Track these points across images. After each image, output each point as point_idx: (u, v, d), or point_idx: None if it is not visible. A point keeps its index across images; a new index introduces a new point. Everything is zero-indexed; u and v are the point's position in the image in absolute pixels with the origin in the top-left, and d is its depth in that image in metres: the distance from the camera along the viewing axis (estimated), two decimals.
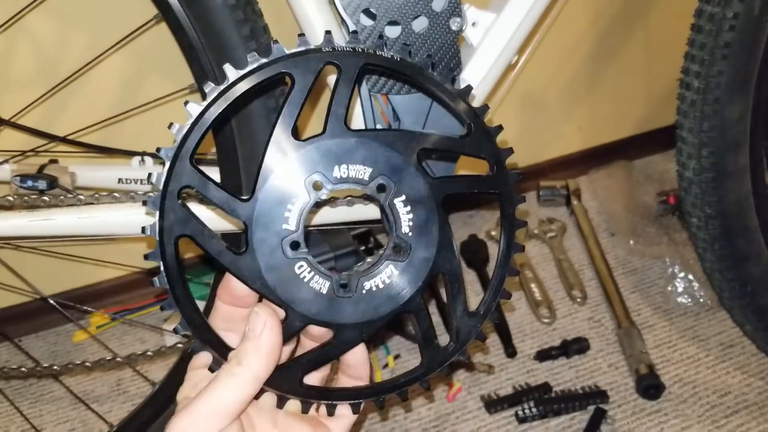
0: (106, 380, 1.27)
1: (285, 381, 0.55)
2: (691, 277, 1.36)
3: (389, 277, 0.54)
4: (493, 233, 1.55)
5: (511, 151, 0.57)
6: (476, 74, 0.87)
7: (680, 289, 1.37)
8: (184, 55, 0.87)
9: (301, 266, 0.52)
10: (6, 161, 0.96)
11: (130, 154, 1.00)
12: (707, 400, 1.17)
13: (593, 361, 1.25)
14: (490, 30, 0.86)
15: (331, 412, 0.57)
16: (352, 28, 0.79)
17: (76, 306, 1.19)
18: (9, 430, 1.18)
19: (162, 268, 0.51)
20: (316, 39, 0.54)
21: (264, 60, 0.52)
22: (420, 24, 0.80)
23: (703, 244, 1.03)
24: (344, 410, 0.58)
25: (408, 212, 0.54)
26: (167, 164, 0.50)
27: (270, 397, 0.55)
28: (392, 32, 0.80)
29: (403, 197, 0.53)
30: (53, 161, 0.99)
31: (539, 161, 1.70)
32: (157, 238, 0.51)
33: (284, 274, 0.52)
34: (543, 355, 1.25)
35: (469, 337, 0.59)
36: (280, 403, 0.55)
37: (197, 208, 0.60)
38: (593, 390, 1.17)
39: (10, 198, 0.85)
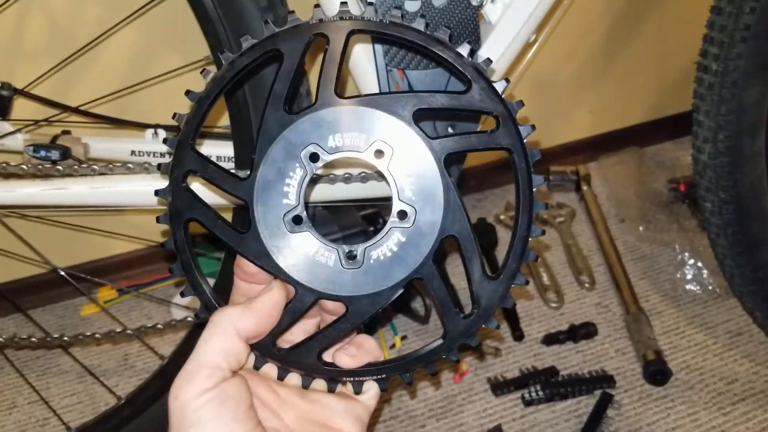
0: (113, 355, 1.27)
1: (303, 359, 0.54)
2: (700, 264, 1.36)
3: (396, 245, 0.52)
4: (502, 217, 1.54)
5: (521, 104, 0.53)
6: (494, 51, 0.86)
7: (689, 276, 1.37)
8: (200, 26, 0.86)
9: (304, 240, 0.51)
10: (19, 130, 0.95)
11: (144, 126, 0.99)
12: (714, 387, 1.17)
13: (600, 346, 1.25)
14: (509, 7, 0.85)
15: (358, 390, 0.56)
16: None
17: (85, 278, 1.19)
18: (16, 402, 1.19)
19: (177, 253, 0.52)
20: (332, 11, 0.53)
21: (254, 41, 0.52)
22: None
23: (716, 230, 1.02)
24: (370, 386, 0.57)
25: (409, 175, 0.51)
26: (173, 152, 0.52)
27: (296, 378, 0.55)
28: (412, 6, 0.79)
29: (403, 162, 0.51)
30: (66, 132, 0.98)
31: (549, 146, 1.69)
32: (170, 226, 0.52)
33: (289, 251, 0.51)
34: (550, 339, 1.25)
35: (492, 303, 0.55)
36: (306, 382, 0.55)
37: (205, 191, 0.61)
38: (600, 375, 1.17)
39: (24, 167, 0.84)
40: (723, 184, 0.97)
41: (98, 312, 1.38)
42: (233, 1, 0.82)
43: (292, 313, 0.52)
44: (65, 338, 0.91)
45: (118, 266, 1.42)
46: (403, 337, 1.28)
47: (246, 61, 0.52)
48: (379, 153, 0.51)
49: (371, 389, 0.56)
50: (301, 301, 0.52)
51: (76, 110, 0.98)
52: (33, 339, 0.94)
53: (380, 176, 0.88)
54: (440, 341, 0.56)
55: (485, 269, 0.54)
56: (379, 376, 0.56)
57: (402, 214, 0.52)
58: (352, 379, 0.56)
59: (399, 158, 0.51)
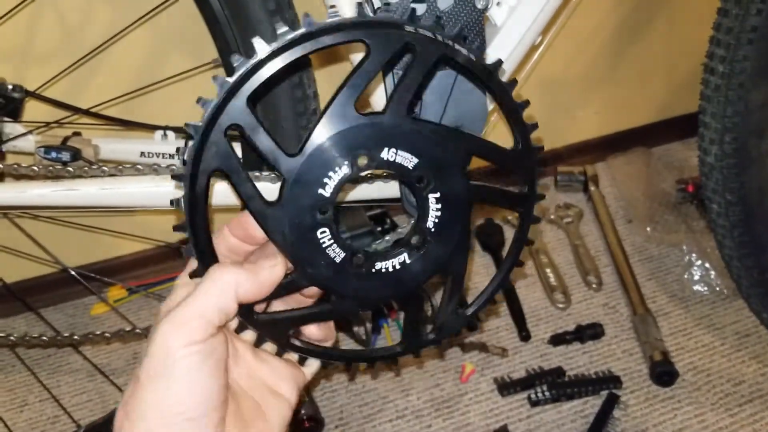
0: (122, 353, 1.29)
1: (278, 330, 0.56)
2: (708, 265, 1.36)
3: (400, 264, 0.55)
4: (509, 217, 1.54)
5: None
6: (500, 54, 0.86)
7: (697, 277, 1.37)
8: (208, 29, 0.87)
9: (324, 232, 0.52)
10: (30, 132, 0.97)
11: (153, 128, 1.00)
12: (721, 388, 1.17)
13: (607, 347, 1.25)
14: (515, 9, 0.85)
15: (302, 363, 0.59)
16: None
17: (95, 278, 1.20)
18: (27, 400, 1.21)
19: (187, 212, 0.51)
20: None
21: (344, 20, 0.50)
22: (445, 2, 0.80)
23: (722, 231, 1.02)
24: (314, 361, 0.60)
25: (438, 209, 0.54)
26: (221, 95, 0.50)
27: (251, 335, 0.56)
28: (418, 9, 0.79)
29: (438, 194, 0.54)
30: (77, 133, 0.99)
31: (557, 146, 1.69)
32: (190, 170, 0.50)
33: (306, 234, 0.52)
34: (557, 340, 1.26)
35: (453, 330, 0.63)
36: (258, 343, 0.56)
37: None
38: (606, 375, 1.17)
39: (35, 168, 0.86)
40: (729, 185, 0.97)
41: (108, 311, 1.39)
42: (241, 4, 0.83)
43: (284, 290, 0.54)
44: (75, 337, 0.92)
45: (128, 266, 1.44)
46: None
47: (330, 41, 0.50)
48: (420, 179, 0.53)
49: (314, 364, 0.59)
50: (295, 281, 0.54)
51: (86, 112, 0.99)
52: (44, 338, 0.95)
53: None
54: (395, 349, 0.62)
55: (459, 303, 0.60)
56: (325, 360, 0.60)
57: (418, 240, 0.55)
58: (302, 354, 0.58)
59: (436, 191, 0.54)
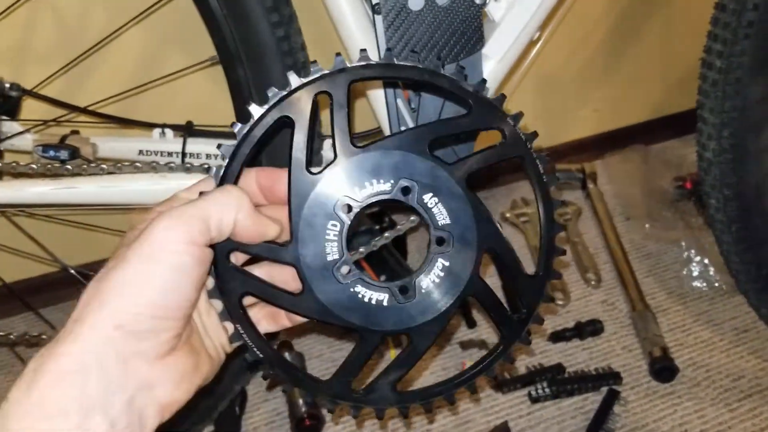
0: None
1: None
2: (706, 261, 1.36)
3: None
4: (507, 215, 1.54)
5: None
6: (498, 50, 0.86)
7: (695, 274, 1.37)
8: (206, 26, 0.87)
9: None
10: (28, 131, 0.96)
11: (151, 126, 1.00)
12: (721, 384, 1.17)
13: (607, 343, 1.25)
14: (513, 5, 0.85)
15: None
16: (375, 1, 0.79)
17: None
18: None
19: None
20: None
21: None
22: None
23: (720, 226, 1.03)
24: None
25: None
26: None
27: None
28: (415, 5, 0.80)
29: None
30: (75, 132, 0.99)
31: (555, 144, 1.69)
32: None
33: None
34: (557, 337, 1.26)
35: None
36: (211, 294, 0.53)
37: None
38: (606, 372, 1.17)
39: (33, 166, 0.85)
40: (727, 181, 0.97)
41: None
42: (239, 1, 0.83)
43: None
44: None
45: None
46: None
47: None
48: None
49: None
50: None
51: (84, 110, 0.99)
52: (44, 336, 0.95)
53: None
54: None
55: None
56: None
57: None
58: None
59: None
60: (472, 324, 1.30)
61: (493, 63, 0.87)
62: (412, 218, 0.89)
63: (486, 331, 1.29)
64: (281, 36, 0.85)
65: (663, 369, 1.16)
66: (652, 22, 1.57)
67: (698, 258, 1.37)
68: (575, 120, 1.68)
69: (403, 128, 0.87)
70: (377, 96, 0.87)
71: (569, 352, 1.24)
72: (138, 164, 0.82)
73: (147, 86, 1.02)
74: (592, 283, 1.38)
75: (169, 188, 0.83)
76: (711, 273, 1.35)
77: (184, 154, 0.96)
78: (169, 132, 0.99)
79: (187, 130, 0.98)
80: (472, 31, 0.81)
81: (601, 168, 1.68)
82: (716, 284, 1.34)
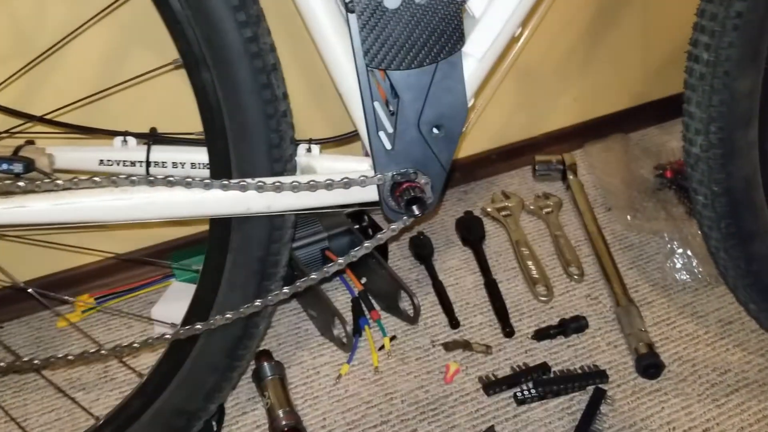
0: (92, 367, 1.23)
1: None
2: (689, 252, 1.34)
3: None
4: (489, 209, 1.51)
5: None
6: (479, 47, 0.82)
7: (678, 265, 1.35)
8: (167, 29, 0.81)
9: None
10: None
11: (112, 134, 0.94)
12: (707, 379, 1.16)
13: (592, 340, 1.23)
14: (493, 0, 0.81)
15: None
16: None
17: (51, 296, 1.13)
18: None
19: None
20: None
21: None
22: None
23: (708, 222, 1.00)
24: None
25: None
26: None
27: None
28: (392, 2, 0.75)
29: None
30: (30, 142, 0.93)
31: (534, 135, 1.66)
32: None
33: None
34: (541, 335, 1.23)
35: None
36: None
37: None
38: (592, 370, 1.15)
39: None
40: (716, 176, 0.94)
41: (77, 321, 1.33)
42: (202, 0, 0.77)
43: None
44: (36, 362, 0.86)
45: (94, 275, 1.37)
46: (392, 338, 1.25)
47: None
48: None
49: None
50: None
51: (40, 119, 0.93)
52: (1, 364, 0.89)
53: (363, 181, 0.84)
54: None
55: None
56: None
57: None
58: None
59: None
60: (455, 324, 1.27)
61: (473, 62, 0.83)
62: (393, 226, 0.85)
63: (470, 332, 1.26)
64: (249, 37, 0.80)
65: (649, 366, 1.14)
66: (631, 9, 1.54)
67: (681, 249, 1.35)
68: (555, 110, 1.65)
69: (380, 133, 0.82)
70: (353, 98, 0.83)
71: (554, 350, 1.22)
72: (96, 179, 0.76)
73: (107, 92, 0.95)
74: (575, 277, 1.36)
75: (131, 204, 0.78)
76: (694, 264, 1.33)
77: (148, 163, 0.90)
78: (131, 140, 0.93)
79: (152, 138, 0.92)
80: (452, 30, 0.76)
81: (581, 158, 1.66)
82: (699, 275, 1.33)
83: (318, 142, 0.92)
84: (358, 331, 1.24)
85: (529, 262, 1.38)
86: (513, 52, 0.89)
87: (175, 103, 1.01)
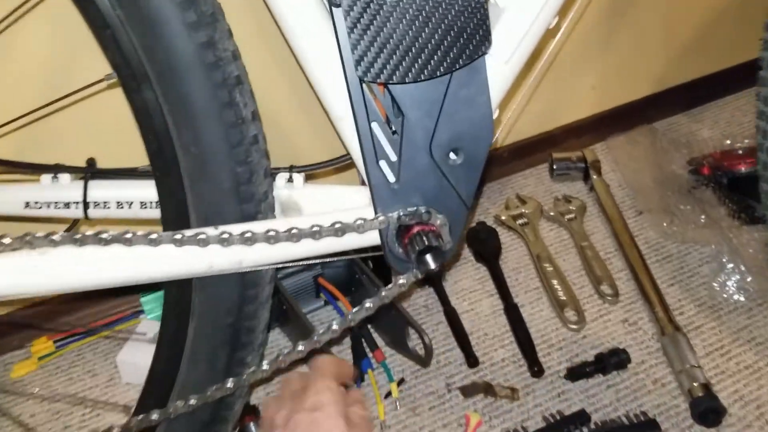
0: (52, 426, 1.05)
1: None
2: (742, 266, 1.16)
3: None
4: (503, 218, 1.32)
5: None
6: (506, 46, 0.63)
7: (727, 280, 1.17)
8: (95, 36, 0.61)
9: None
10: None
11: (39, 169, 0.74)
12: None
13: (635, 378, 1.05)
14: None
15: None
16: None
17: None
18: None
19: None
20: None
21: None
22: None
23: None
24: None
25: None
26: None
27: None
28: None
29: None
30: None
31: (550, 128, 1.47)
32: None
33: None
34: (575, 374, 1.05)
35: None
36: None
37: None
38: (641, 420, 0.97)
39: None
40: None
41: (34, 370, 1.15)
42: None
43: None
44: None
45: (52, 312, 1.18)
46: (401, 382, 1.07)
47: None
48: None
49: None
50: None
51: None
52: None
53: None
54: None
55: None
56: None
57: None
58: None
59: None
60: (473, 362, 1.08)
61: (499, 64, 0.63)
62: (400, 281, 0.66)
63: (491, 370, 1.08)
64: (203, 42, 0.60)
65: (707, 411, 0.96)
66: None
67: (731, 264, 1.17)
68: (572, 100, 1.46)
69: (381, 162, 0.63)
70: (343, 119, 0.63)
71: (591, 391, 1.04)
72: (6, 239, 0.57)
73: (31, 116, 0.75)
74: (608, 297, 1.17)
75: (51, 272, 0.58)
76: (748, 280, 1.15)
77: (86, 204, 0.71)
78: (64, 176, 0.74)
79: (89, 172, 0.73)
80: (474, 27, 0.57)
81: (603, 153, 1.47)
82: (754, 293, 1.14)
83: (302, 169, 0.72)
84: (360, 376, 1.06)
85: (554, 281, 1.20)
86: (551, 46, 0.69)
87: (119, 127, 0.80)
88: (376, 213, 0.64)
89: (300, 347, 0.65)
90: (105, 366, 1.14)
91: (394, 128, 0.62)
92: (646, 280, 1.18)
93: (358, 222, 0.63)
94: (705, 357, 1.07)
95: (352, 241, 0.65)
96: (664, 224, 1.28)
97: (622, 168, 1.44)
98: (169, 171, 0.64)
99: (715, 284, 1.16)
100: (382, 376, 1.07)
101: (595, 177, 1.39)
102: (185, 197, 0.64)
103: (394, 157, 0.63)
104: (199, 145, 0.62)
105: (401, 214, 0.64)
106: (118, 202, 0.73)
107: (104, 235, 0.57)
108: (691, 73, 1.56)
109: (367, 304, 0.65)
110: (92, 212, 0.73)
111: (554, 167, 1.42)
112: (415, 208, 0.64)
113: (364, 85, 0.59)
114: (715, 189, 1.34)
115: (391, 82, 0.57)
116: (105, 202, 0.73)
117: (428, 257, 0.62)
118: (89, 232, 0.57)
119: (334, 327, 0.65)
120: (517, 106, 0.88)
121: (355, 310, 0.66)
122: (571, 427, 0.97)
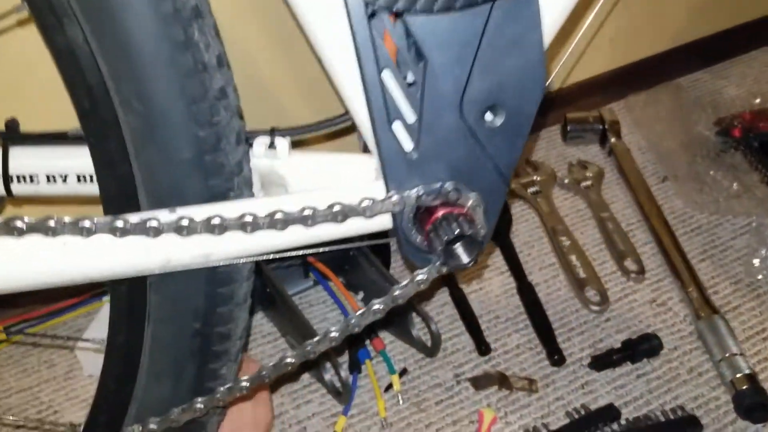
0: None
1: None
2: None
3: None
4: (513, 186, 1.19)
5: None
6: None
7: (765, 254, 1.05)
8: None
9: None
10: None
11: None
12: None
13: (668, 366, 0.93)
14: None
15: None
16: None
17: None
18: None
19: None
20: None
21: None
22: None
23: None
24: None
25: None
26: None
27: None
28: None
29: None
30: None
31: (565, 85, 1.33)
32: None
33: None
34: (601, 362, 0.93)
35: None
36: None
37: None
38: (678, 416, 0.86)
39: None
40: None
41: None
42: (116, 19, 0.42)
43: None
44: None
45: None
46: (402, 372, 0.94)
47: None
48: None
49: None
50: None
51: None
52: None
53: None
54: None
55: None
56: None
57: None
58: None
59: None
60: (485, 350, 0.96)
61: None
62: (418, 277, 0.52)
63: (505, 359, 0.95)
64: (180, 40, 0.45)
65: (754, 406, 0.85)
66: None
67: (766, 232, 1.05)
68: (588, 53, 1.31)
69: (395, 124, 0.48)
70: (343, 65, 0.48)
71: (619, 382, 0.92)
72: None
73: None
74: (633, 275, 1.05)
75: None
76: None
77: (7, 177, 0.56)
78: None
79: (9, 137, 0.57)
80: None
81: (623, 113, 1.33)
82: None
83: (287, 133, 0.57)
84: (356, 367, 0.93)
85: (572, 257, 1.07)
86: (595, 10, 0.55)
87: (48, 76, 0.63)
88: (388, 191, 0.50)
89: (288, 359, 0.51)
90: (62, 355, 1.00)
91: (413, 78, 0.47)
92: (675, 255, 1.05)
93: (365, 203, 0.48)
94: (745, 342, 0.95)
95: (355, 227, 0.50)
96: (692, 191, 1.16)
97: (643, 129, 1.30)
98: (105, 135, 0.49)
99: (755, 260, 1.03)
100: (382, 366, 0.94)
101: (613, 140, 1.26)
102: (130, 170, 0.49)
103: (412, 118, 0.48)
104: (144, 100, 0.46)
105: (421, 192, 0.49)
106: (49, 176, 0.58)
107: (17, 223, 0.42)
108: (713, 26, 1.43)
109: (376, 305, 0.51)
110: (16, 187, 0.58)
111: (568, 129, 1.28)
112: (439, 184, 0.49)
113: (370, 17, 0.44)
114: (745, 153, 1.21)
115: (409, 11, 0.42)
116: (32, 176, 0.58)
117: (459, 249, 0.48)
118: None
119: (333, 334, 0.51)
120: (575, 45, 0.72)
121: (360, 312, 0.52)
122: (600, 424, 0.85)
